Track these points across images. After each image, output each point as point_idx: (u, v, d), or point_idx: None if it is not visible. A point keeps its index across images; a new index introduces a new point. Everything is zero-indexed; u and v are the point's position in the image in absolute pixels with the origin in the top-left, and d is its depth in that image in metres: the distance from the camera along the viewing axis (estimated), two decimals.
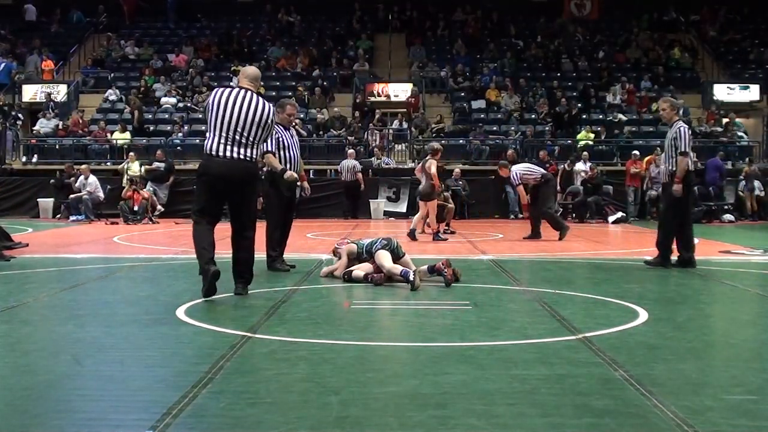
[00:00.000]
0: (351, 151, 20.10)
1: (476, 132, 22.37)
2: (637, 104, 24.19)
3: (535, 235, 12.98)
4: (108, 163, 21.49)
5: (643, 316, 5.81)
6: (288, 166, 8.32)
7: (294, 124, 9.25)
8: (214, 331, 5.20)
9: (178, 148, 21.89)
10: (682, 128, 8.97)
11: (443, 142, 22.15)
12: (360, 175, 19.36)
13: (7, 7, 29.20)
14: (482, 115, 23.92)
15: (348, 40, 27.94)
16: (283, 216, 8.60)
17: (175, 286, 7.37)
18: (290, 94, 24.60)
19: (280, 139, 8.37)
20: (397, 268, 7.38)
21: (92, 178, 18.36)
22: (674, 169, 8.89)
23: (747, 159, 21.07)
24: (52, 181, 19.23)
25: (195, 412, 3.40)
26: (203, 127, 22.76)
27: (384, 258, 7.53)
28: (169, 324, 5.46)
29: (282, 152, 8.35)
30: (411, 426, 3.23)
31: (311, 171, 20.55)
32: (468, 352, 4.63)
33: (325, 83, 24.97)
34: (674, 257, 9.09)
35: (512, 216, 19.22)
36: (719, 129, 22.92)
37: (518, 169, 13.34)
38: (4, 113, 22.86)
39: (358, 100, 24.34)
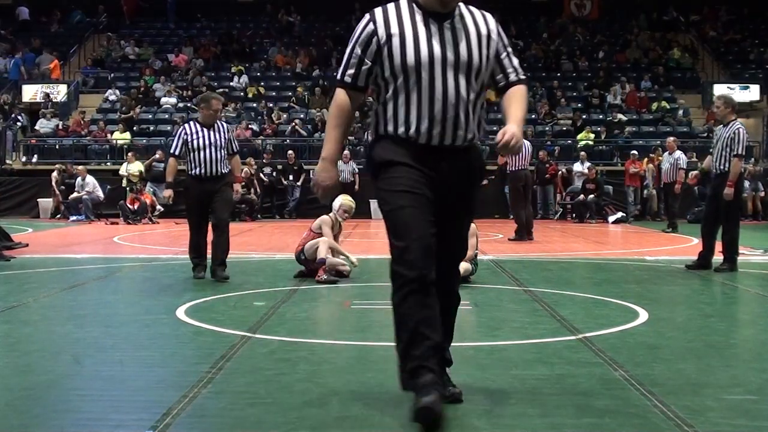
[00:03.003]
0: (346, 152, 20.06)
1: None
2: (637, 104, 24.18)
3: (520, 236, 12.93)
4: (108, 163, 21.48)
5: (643, 316, 5.81)
6: (198, 169, 7.68)
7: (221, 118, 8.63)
8: (214, 331, 5.19)
9: None
10: (740, 129, 8.62)
11: None
12: (357, 176, 19.46)
13: (6, 7, 29.19)
14: None
15: (348, 40, 27.92)
16: (196, 219, 7.90)
17: (175, 286, 7.37)
18: (290, 94, 24.64)
19: (189, 139, 7.72)
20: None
21: (90, 179, 18.35)
22: (726, 170, 8.55)
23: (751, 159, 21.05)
24: (58, 181, 19.25)
25: (195, 412, 3.40)
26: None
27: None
28: (169, 324, 5.46)
29: (193, 154, 7.71)
30: (411, 426, 3.22)
31: (311, 171, 20.54)
32: (468, 352, 4.62)
33: (325, 83, 24.96)
34: (694, 258, 8.95)
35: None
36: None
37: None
38: (4, 113, 22.86)
39: None
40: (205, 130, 7.77)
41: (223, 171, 7.78)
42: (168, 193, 8.04)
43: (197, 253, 7.87)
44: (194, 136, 7.72)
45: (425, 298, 3.20)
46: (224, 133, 7.86)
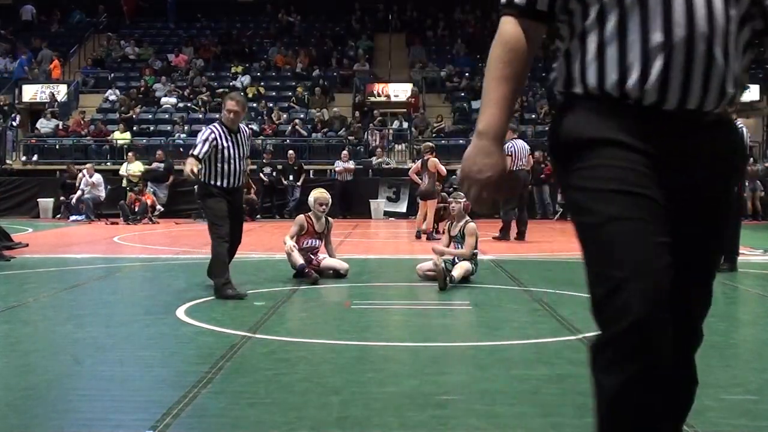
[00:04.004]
0: (345, 152, 20.04)
1: None
2: None
3: (503, 235, 13.16)
4: (108, 163, 21.47)
5: None
6: (226, 181, 6.83)
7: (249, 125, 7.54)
8: (214, 331, 5.20)
9: (180, 148, 21.88)
10: (743, 129, 8.71)
11: (443, 142, 22.25)
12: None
13: (7, 7, 29.20)
14: None
15: (348, 40, 27.95)
16: (225, 230, 6.83)
17: (175, 286, 7.37)
18: (290, 94, 24.64)
19: (219, 146, 6.80)
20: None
21: (97, 176, 18.33)
22: None
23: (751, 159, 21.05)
24: (67, 178, 19.23)
25: (195, 412, 3.40)
26: (203, 127, 22.73)
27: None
28: (169, 324, 5.46)
29: (220, 165, 6.81)
30: (411, 426, 3.23)
31: (311, 171, 20.55)
32: (468, 352, 4.62)
33: (325, 83, 24.97)
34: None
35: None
36: None
37: (518, 143, 13.33)
38: (4, 113, 22.87)
39: (358, 100, 24.34)
40: (232, 137, 6.89)
41: (243, 181, 7.19)
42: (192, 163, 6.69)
43: (226, 266, 6.78)
44: (224, 143, 6.82)
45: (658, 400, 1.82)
46: (246, 140, 7.11)
